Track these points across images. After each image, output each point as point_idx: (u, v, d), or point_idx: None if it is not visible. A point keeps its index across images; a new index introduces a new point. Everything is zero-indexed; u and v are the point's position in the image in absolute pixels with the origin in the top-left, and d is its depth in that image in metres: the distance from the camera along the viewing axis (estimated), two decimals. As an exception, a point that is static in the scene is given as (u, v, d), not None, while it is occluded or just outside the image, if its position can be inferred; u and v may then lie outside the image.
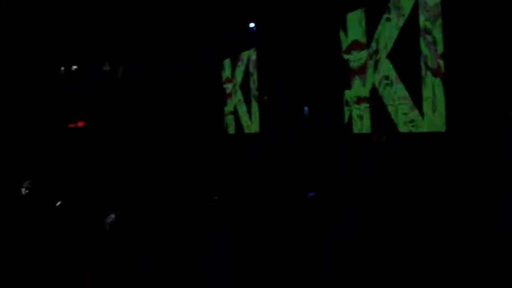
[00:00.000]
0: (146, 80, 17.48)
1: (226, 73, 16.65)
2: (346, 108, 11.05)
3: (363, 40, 10.39)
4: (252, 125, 15.10)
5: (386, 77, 9.64)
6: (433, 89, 8.40)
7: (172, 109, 16.82)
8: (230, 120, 16.36)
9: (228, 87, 16.51)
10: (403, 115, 9.21)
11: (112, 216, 6.16)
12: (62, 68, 17.11)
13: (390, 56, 9.49)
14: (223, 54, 16.29)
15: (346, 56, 10.97)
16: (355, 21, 10.72)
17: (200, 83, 16.85)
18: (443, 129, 8.24)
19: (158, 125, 16.86)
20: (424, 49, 8.52)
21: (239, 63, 15.77)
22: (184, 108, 16.75)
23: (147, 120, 17.11)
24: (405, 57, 9.06)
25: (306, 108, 13.10)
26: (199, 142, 15.33)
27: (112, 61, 16.85)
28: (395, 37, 9.33)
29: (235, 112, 16.06)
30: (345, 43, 11.05)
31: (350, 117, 10.91)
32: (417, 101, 8.74)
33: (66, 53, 16.31)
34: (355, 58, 10.66)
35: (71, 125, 17.95)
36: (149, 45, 16.54)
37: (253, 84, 14.90)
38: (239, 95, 15.82)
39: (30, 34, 15.35)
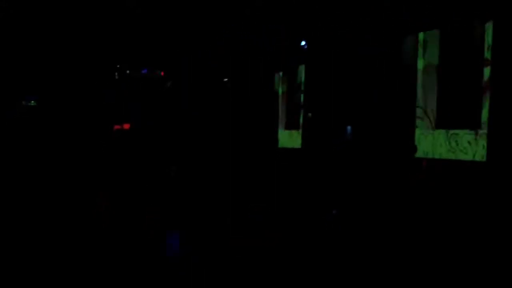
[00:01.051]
0: (200, 91, 17.85)
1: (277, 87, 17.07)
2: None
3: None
4: (296, 140, 15.47)
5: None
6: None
7: (224, 120, 17.13)
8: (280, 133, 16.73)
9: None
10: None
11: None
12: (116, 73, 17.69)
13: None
14: (274, 69, 16.68)
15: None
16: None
17: (252, 97, 17.17)
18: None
19: (208, 136, 17.11)
20: None
21: (288, 78, 16.21)
22: (236, 120, 17.04)
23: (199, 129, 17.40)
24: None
25: (349, 128, 13.39)
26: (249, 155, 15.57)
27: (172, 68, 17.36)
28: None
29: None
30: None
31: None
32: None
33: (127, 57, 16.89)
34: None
35: (117, 127, 18.48)
36: (204, 58, 16.99)
37: (300, 100, 15.30)
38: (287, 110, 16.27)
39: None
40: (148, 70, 17.68)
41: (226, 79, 17.31)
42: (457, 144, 9.59)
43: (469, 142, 9.37)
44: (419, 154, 10.41)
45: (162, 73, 17.58)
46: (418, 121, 10.82)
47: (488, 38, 9.13)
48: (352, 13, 11.78)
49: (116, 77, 17.49)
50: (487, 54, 9.09)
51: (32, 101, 15.83)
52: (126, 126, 18.64)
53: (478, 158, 9.15)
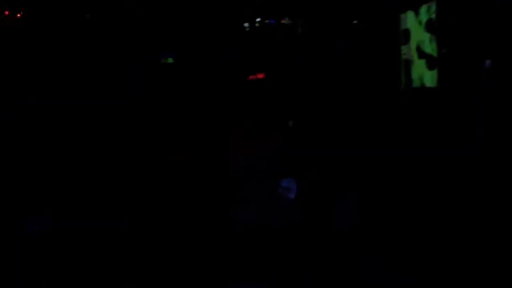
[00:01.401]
0: (321, 35, 17.83)
1: (403, 27, 16.51)
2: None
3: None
4: (428, 79, 14.97)
5: None
6: None
7: (346, 63, 17.04)
8: (403, 73, 16.31)
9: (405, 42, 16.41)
10: None
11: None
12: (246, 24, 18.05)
13: None
14: (400, 8, 16.12)
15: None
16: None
17: (376, 37, 16.86)
18: None
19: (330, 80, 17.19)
20: None
21: (418, 17, 15.58)
22: (356, 62, 16.90)
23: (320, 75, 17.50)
24: None
25: (488, 62, 12.64)
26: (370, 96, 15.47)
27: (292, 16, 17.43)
28: None
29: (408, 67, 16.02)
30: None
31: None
32: None
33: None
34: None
35: (251, 77, 18.98)
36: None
37: (432, 38, 14.71)
38: (416, 50, 15.69)
39: None
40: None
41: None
42: None
43: None
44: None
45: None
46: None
47: None
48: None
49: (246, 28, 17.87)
50: None
51: (169, 59, 16.65)
52: (260, 75, 19.04)
53: None
